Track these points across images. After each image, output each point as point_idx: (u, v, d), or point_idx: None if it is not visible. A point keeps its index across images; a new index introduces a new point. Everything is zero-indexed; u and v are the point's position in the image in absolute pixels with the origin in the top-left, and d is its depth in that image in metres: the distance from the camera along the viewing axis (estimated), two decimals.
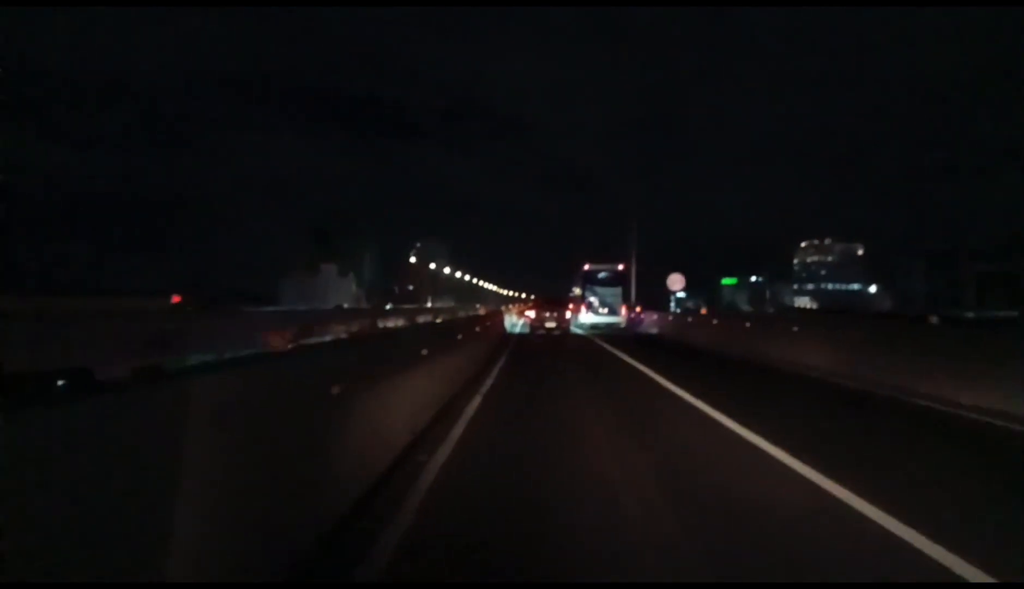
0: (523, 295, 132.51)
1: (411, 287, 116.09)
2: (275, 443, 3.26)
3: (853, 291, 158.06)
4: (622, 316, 33.58)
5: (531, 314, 30.23)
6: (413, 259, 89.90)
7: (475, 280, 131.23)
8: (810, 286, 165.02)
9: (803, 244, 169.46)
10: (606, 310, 33.91)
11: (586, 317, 34.02)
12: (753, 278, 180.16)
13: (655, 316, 32.17)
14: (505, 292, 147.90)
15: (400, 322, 31.85)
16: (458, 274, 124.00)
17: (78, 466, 1.97)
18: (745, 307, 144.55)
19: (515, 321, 40.87)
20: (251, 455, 2.96)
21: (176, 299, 33.47)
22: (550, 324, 27.95)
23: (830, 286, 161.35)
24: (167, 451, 2.35)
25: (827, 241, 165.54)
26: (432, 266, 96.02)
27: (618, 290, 34.60)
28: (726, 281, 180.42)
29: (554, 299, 30.30)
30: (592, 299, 34.32)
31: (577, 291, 37.56)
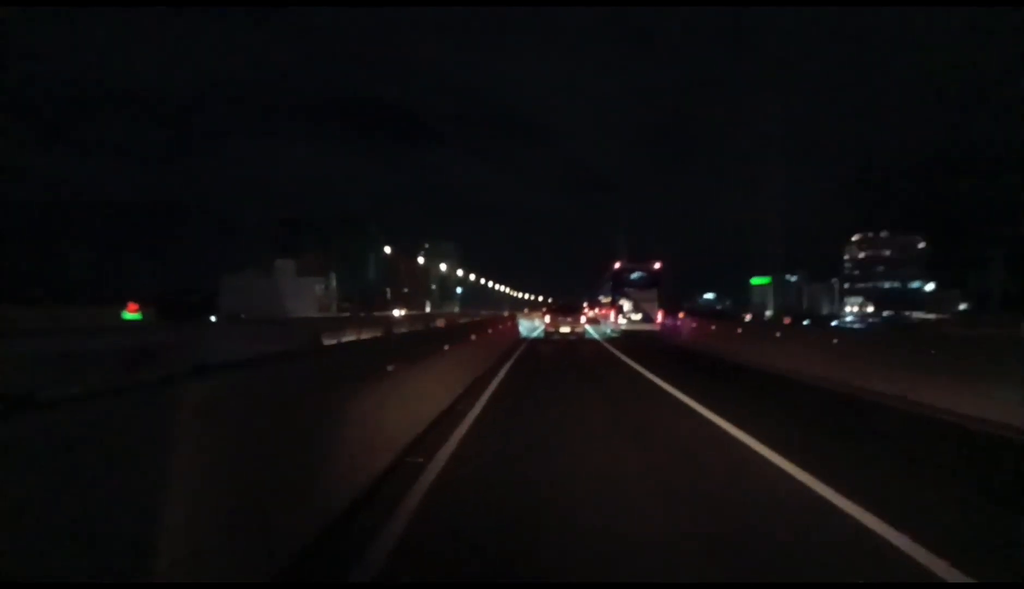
0: (540, 298, 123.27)
1: (406, 290, 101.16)
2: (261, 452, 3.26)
3: (913, 290, 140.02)
4: (656, 323, 30.80)
5: (547, 319, 31.07)
6: (388, 249, 73.13)
7: (491, 284, 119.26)
8: (863, 285, 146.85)
9: (855, 237, 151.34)
10: (639, 316, 31.45)
11: (617, 323, 31.67)
12: (787, 277, 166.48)
13: (694, 323, 28.30)
14: (523, 295, 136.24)
15: (365, 335, 25.31)
16: (465, 276, 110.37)
17: (71, 469, 2.01)
18: (771, 310, 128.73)
19: (534, 325, 40.83)
20: (242, 458, 3.02)
21: (132, 308, 29.95)
22: (565, 329, 28.15)
23: (887, 285, 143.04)
24: (159, 454, 2.38)
25: (882, 233, 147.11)
26: (421, 261, 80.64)
27: (653, 293, 31.74)
28: (756, 281, 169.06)
29: (569, 305, 30.66)
30: (623, 303, 31.84)
31: (604, 298, 35.63)
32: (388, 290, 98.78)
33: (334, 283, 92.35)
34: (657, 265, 32.27)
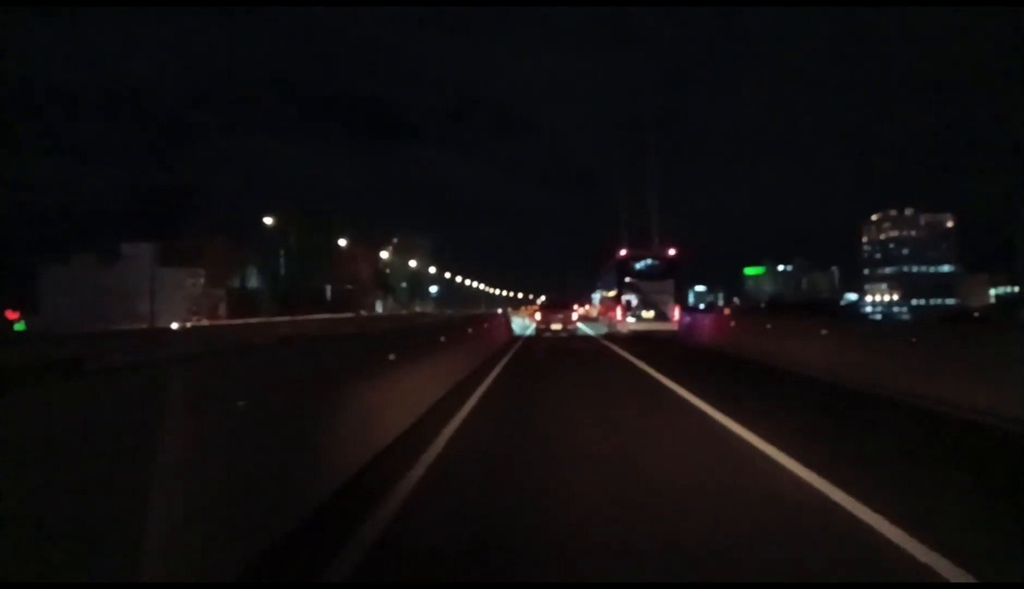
0: (525, 295, 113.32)
1: (349, 287, 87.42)
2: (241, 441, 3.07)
3: (944, 274, 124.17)
4: (673, 321, 26.66)
5: (538, 317, 31.76)
6: (272, 219, 56.39)
7: (476, 283, 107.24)
8: (887, 270, 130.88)
9: (874, 217, 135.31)
10: (651, 313, 27.51)
11: (624, 322, 27.58)
12: (781, 267, 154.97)
13: (732, 322, 23.10)
14: (510, 294, 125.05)
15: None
16: (443, 274, 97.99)
17: (35, 459, 1.88)
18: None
19: (525, 323, 41.43)
20: (222, 450, 2.84)
21: (12, 315, 28.36)
22: (556, 326, 28.62)
23: (914, 269, 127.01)
24: (136, 443, 2.23)
25: (908, 212, 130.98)
26: (343, 244, 66.92)
27: (667, 284, 27.69)
28: (750, 271, 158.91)
29: (559, 302, 31.55)
30: (630, 298, 27.70)
31: (606, 292, 33.03)
32: (328, 288, 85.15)
33: (254, 281, 78.99)
34: (672, 251, 28.46)
